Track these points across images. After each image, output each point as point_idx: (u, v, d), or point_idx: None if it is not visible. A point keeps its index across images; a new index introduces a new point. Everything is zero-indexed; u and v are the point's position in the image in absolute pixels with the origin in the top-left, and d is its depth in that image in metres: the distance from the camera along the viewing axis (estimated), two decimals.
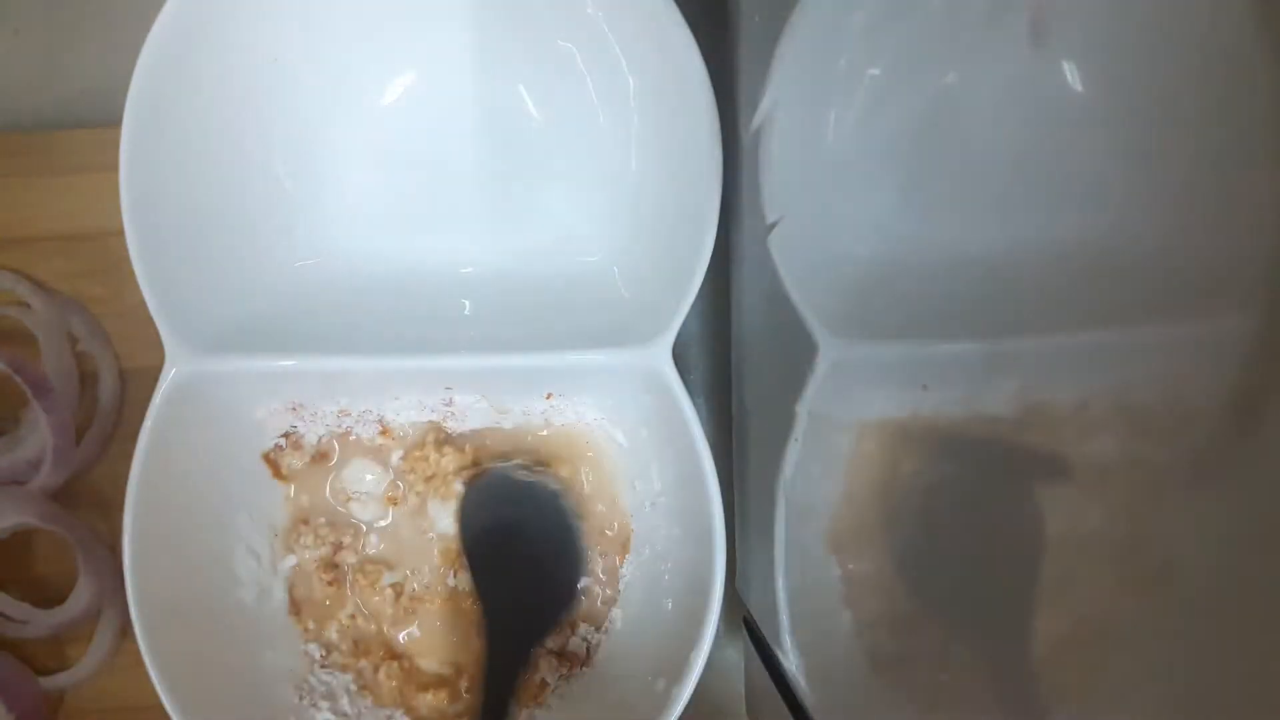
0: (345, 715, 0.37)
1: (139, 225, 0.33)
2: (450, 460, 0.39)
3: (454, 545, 0.39)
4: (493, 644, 0.35)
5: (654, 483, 0.39)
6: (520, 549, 0.38)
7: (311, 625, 0.39)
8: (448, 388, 0.38)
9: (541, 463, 0.40)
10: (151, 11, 0.32)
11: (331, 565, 0.39)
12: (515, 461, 0.39)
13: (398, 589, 0.39)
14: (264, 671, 0.37)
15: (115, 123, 0.33)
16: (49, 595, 0.41)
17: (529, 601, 0.37)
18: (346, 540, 0.39)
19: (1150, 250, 0.14)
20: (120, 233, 0.33)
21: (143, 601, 0.33)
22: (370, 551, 0.40)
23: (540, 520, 0.38)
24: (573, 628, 0.39)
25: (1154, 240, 0.14)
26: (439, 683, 0.39)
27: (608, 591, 0.39)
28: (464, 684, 0.39)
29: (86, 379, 0.41)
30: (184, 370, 0.34)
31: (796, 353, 0.28)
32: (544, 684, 0.38)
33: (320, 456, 0.39)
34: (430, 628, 0.39)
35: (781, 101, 0.28)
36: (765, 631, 0.34)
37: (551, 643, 0.39)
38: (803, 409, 0.28)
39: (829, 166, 0.26)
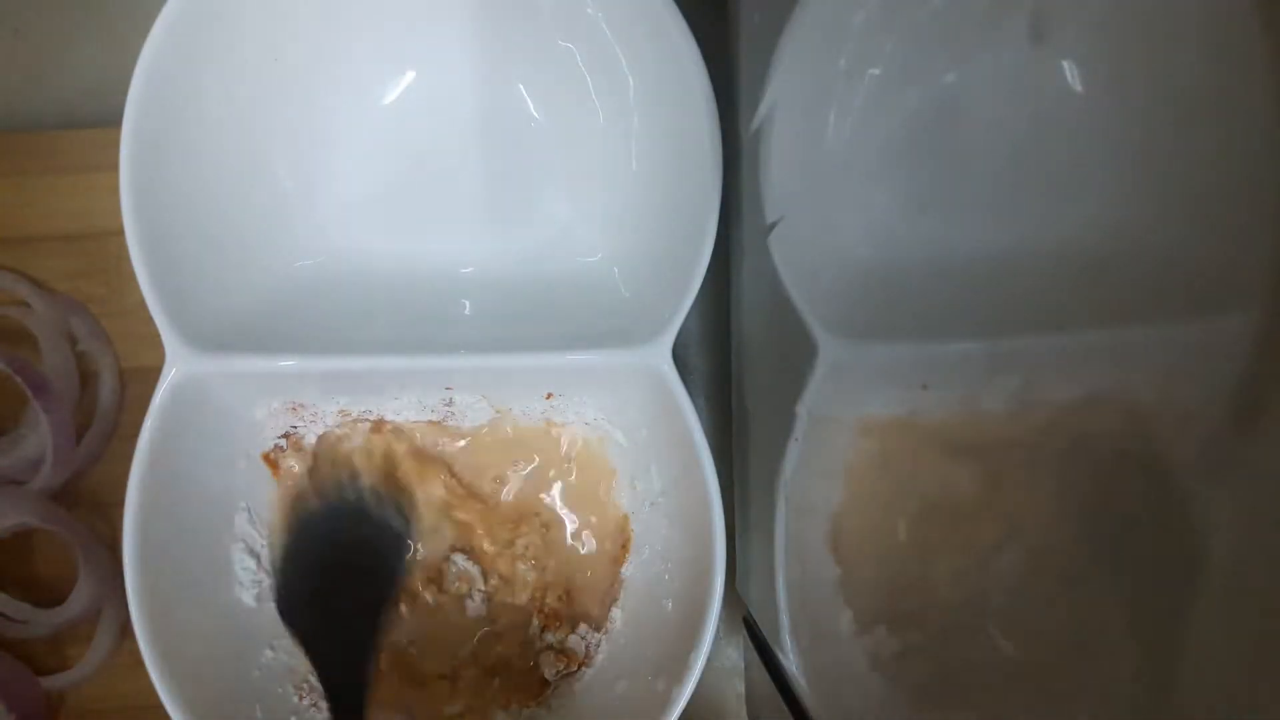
0: None
1: (139, 225, 0.33)
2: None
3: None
4: (327, 675, 0.34)
5: (654, 483, 0.39)
6: (334, 572, 0.36)
7: None
8: (448, 388, 0.38)
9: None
10: (152, 11, 0.32)
11: None
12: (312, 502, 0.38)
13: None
14: (264, 671, 0.37)
15: (115, 123, 0.33)
16: (49, 595, 0.41)
17: (353, 617, 0.36)
18: None
19: (1150, 250, 0.14)
20: (120, 233, 0.33)
21: (143, 602, 0.33)
22: None
23: (354, 540, 0.37)
24: (572, 627, 0.39)
25: (1154, 240, 0.14)
26: (437, 680, 0.39)
27: (608, 592, 0.39)
28: (462, 683, 0.39)
29: (86, 379, 0.41)
30: (184, 370, 0.34)
31: (796, 353, 0.28)
32: (544, 683, 0.38)
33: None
34: (428, 626, 0.39)
35: (781, 101, 0.28)
36: (765, 631, 0.34)
37: (551, 638, 0.38)
38: (803, 409, 0.28)
39: (829, 166, 0.26)
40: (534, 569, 0.39)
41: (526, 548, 0.39)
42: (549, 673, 0.38)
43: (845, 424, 0.27)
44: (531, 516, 0.40)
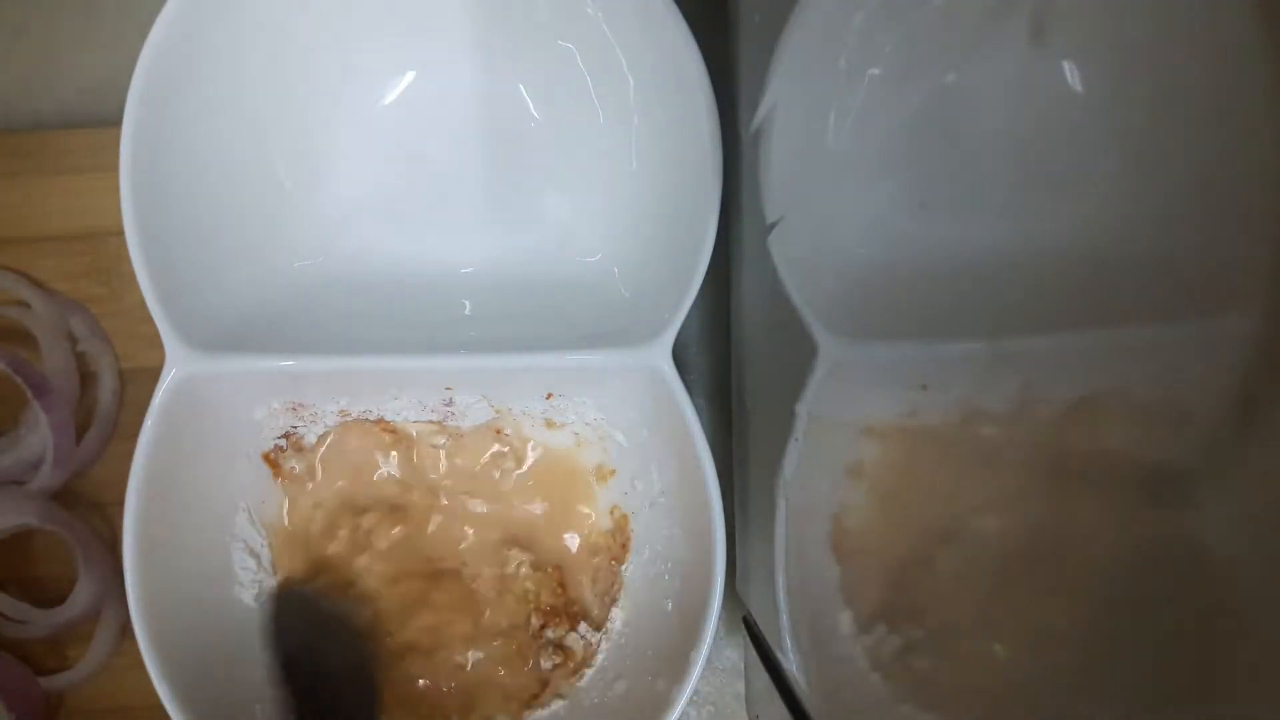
0: None
1: (139, 225, 0.33)
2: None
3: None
4: None
5: (654, 483, 0.39)
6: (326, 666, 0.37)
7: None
8: (448, 388, 0.38)
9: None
10: (152, 11, 0.32)
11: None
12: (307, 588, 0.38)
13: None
14: (264, 671, 0.37)
15: (115, 123, 0.33)
16: (49, 595, 0.41)
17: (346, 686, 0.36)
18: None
19: (1150, 250, 0.14)
20: (120, 233, 0.33)
21: (143, 601, 0.33)
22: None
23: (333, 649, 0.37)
24: (572, 625, 0.39)
25: (1154, 240, 0.14)
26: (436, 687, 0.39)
27: (608, 592, 0.39)
28: (461, 685, 0.39)
29: (86, 379, 0.41)
30: (184, 370, 0.34)
31: (796, 353, 0.28)
32: (544, 684, 0.38)
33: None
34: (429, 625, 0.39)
35: (781, 101, 0.28)
36: (765, 631, 0.34)
37: (551, 634, 0.38)
38: (803, 409, 0.28)
39: (829, 166, 0.26)
40: (528, 579, 0.39)
41: (518, 565, 0.39)
42: (546, 665, 0.38)
43: (845, 424, 0.27)
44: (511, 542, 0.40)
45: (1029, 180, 0.17)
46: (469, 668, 0.39)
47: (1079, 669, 0.16)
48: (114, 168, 0.33)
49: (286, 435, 0.39)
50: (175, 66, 0.33)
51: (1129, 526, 0.15)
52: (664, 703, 0.34)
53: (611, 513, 0.40)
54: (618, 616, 0.39)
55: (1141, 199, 0.14)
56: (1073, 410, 0.16)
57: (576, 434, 0.40)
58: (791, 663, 0.30)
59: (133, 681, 0.40)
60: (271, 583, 0.38)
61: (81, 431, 0.40)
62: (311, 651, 0.37)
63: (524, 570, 0.39)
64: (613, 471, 0.40)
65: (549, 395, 0.39)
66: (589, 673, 0.39)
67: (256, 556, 0.38)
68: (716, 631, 0.34)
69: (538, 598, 0.39)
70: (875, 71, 0.22)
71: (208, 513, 0.37)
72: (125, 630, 0.40)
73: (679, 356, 0.35)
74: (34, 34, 0.44)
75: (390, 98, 0.39)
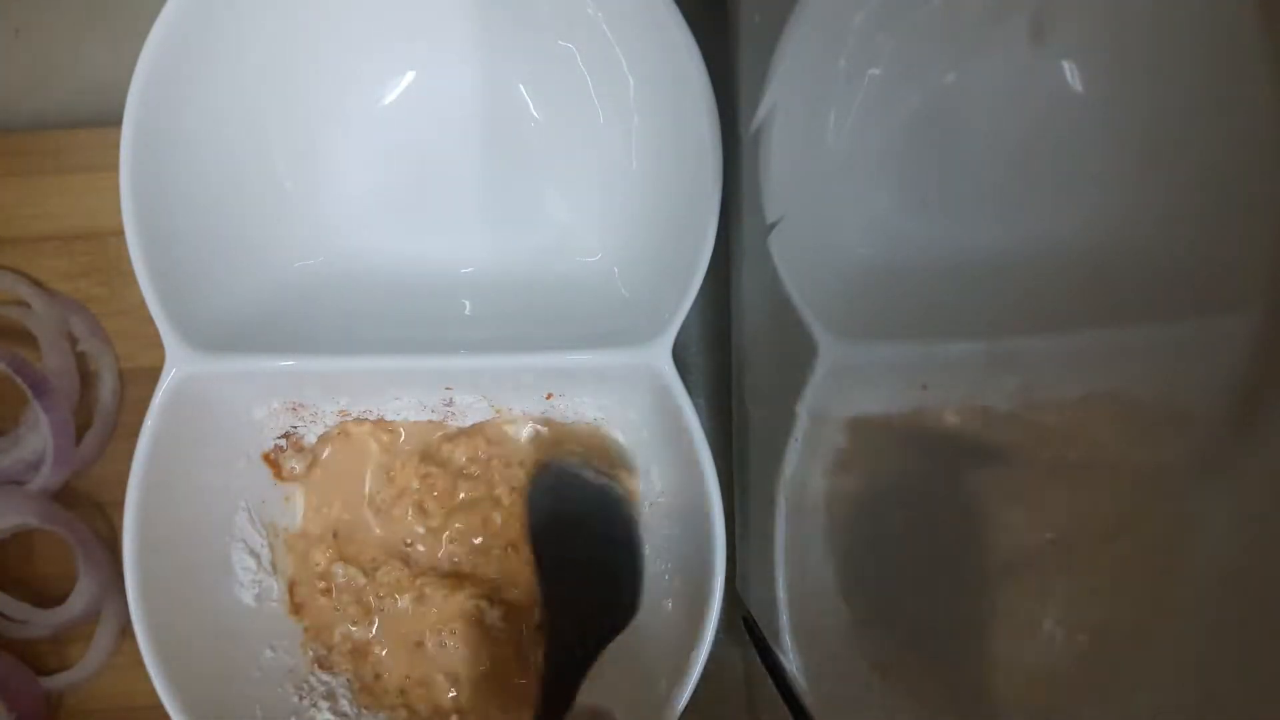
0: (345, 715, 0.37)
1: (139, 225, 0.33)
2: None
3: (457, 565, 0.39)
4: (553, 651, 0.34)
5: (654, 483, 0.39)
6: (585, 550, 0.37)
7: (311, 625, 0.39)
8: (448, 388, 0.38)
9: (609, 466, 0.39)
10: (152, 11, 0.32)
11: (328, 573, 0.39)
12: (580, 461, 0.38)
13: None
14: (264, 671, 0.37)
15: (115, 123, 0.33)
16: (49, 595, 0.41)
17: (591, 612, 0.36)
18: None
19: (1150, 250, 0.14)
20: (120, 233, 0.33)
21: (143, 601, 0.33)
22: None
23: (604, 526, 0.37)
24: None
25: (1154, 240, 0.14)
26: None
27: None
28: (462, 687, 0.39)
29: (86, 379, 0.41)
30: (184, 370, 0.34)
31: (796, 353, 0.28)
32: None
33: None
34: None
35: (781, 101, 0.28)
36: (765, 631, 0.34)
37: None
38: (803, 409, 0.28)
39: (829, 166, 0.26)
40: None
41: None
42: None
43: (845, 424, 0.27)
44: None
45: (1029, 180, 0.17)
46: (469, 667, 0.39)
47: (1078, 669, 0.16)
48: (114, 168, 0.33)
49: (286, 435, 0.39)
50: (175, 66, 0.33)
51: (1129, 526, 0.15)
52: (664, 703, 0.34)
53: None
54: None
55: (1141, 199, 0.14)
56: (1073, 410, 0.16)
57: None
58: (791, 663, 0.30)
59: (133, 681, 0.40)
60: (271, 582, 0.38)
61: (81, 431, 0.40)
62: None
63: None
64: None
65: (549, 395, 0.39)
66: (589, 673, 0.39)
67: (256, 556, 0.38)
68: (716, 631, 0.34)
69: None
70: (875, 71, 0.22)
71: (208, 513, 0.37)
72: (125, 630, 0.40)
73: (679, 356, 0.35)
74: (34, 34, 0.44)
75: (390, 98, 0.39)
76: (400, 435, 0.40)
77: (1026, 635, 0.18)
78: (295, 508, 0.39)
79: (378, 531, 0.40)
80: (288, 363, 0.35)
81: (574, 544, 0.37)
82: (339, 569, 0.39)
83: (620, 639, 0.39)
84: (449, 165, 0.40)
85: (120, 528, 0.33)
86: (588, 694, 0.38)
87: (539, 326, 0.38)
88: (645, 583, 0.37)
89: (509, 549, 0.39)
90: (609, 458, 0.39)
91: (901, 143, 0.21)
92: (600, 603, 0.36)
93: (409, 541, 0.40)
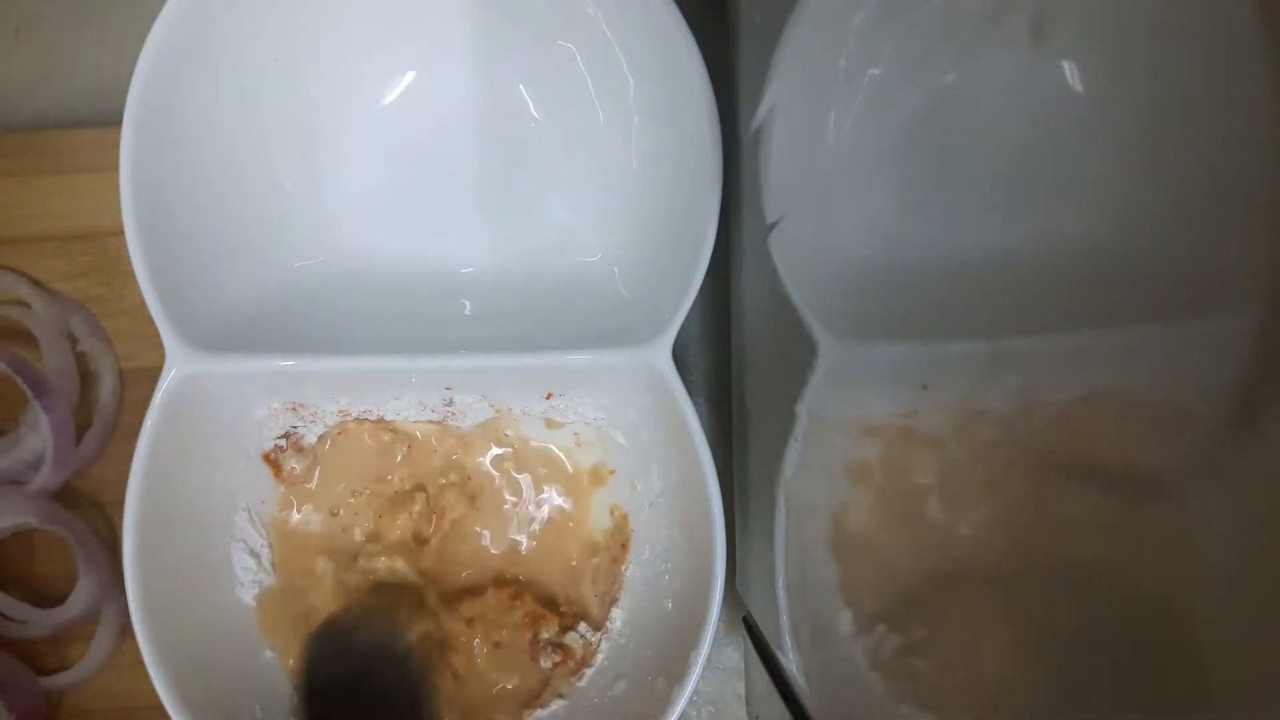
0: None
1: (139, 225, 0.33)
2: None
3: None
4: None
5: (654, 483, 0.39)
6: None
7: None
8: (448, 388, 0.38)
9: (567, 490, 0.39)
10: (152, 11, 0.32)
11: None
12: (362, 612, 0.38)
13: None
14: (264, 671, 0.37)
15: (115, 123, 0.33)
16: (49, 595, 0.41)
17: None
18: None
19: (1150, 250, 0.14)
20: (120, 233, 0.33)
21: (143, 601, 0.33)
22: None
23: (383, 681, 0.37)
24: (572, 624, 0.39)
25: (1154, 240, 0.14)
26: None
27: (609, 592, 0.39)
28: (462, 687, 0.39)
29: (86, 379, 0.41)
30: (184, 370, 0.34)
31: (796, 353, 0.28)
32: (544, 683, 0.38)
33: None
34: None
35: (781, 101, 0.28)
36: (765, 631, 0.34)
37: (547, 632, 0.38)
38: (803, 409, 0.28)
39: (829, 166, 0.26)
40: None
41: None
42: (545, 665, 0.38)
43: (846, 424, 0.27)
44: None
45: (1029, 180, 0.17)
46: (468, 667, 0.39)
47: (1077, 669, 0.16)
48: (114, 168, 0.33)
49: (286, 435, 0.39)
50: (175, 66, 0.33)
51: (1128, 526, 0.15)
52: (664, 703, 0.34)
53: (611, 512, 0.40)
54: (618, 616, 0.39)
55: (1141, 199, 0.14)
56: (1073, 410, 0.16)
57: (576, 434, 0.40)
58: (791, 663, 0.30)
59: (133, 681, 0.40)
60: (271, 582, 0.38)
61: (81, 431, 0.40)
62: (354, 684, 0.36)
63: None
64: (612, 471, 0.40)
65: (549, 395, 0.39)
66: (589, 673, 0.39)
67: (256, 556, 0.38)
68: (716, 631, 0.34)
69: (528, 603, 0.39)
70: (875, 71, 0.22)
71: (208, 513, 0.37)
72: (125, 630, 0.40)
73: (679, 356, 0.35)
74: (34, 34, 0.44)
75: (390, 98, 0.39)
76: (400, 435, 0.40)
77: (1026, 635, 0.18)
78: (296, 507, 0.39)
79: (377, 531, 0.40)
80: (288, 363, 0.35)
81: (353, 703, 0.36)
82: (339, 569, 0.39)
83: (620, 639, 0.39)
84: (449, 165, 0.40)
85: (120, 528, 0.33)
86: (588, 694, 0.38)
87: (539, 326, 0.38)
88: (636, 557, 0.38)
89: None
90: (567, 480, 0.40)
91: (901, 143, 0.21)
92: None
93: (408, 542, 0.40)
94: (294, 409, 0.38)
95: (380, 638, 0.37)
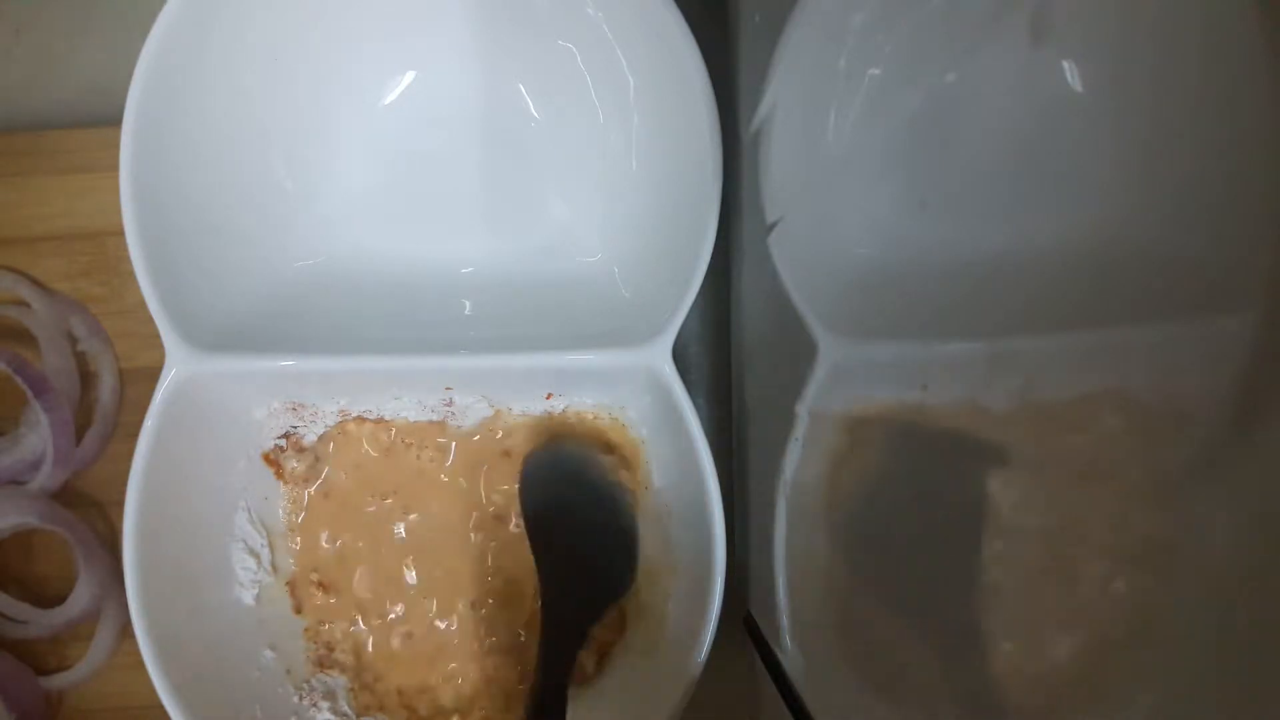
0: (345, 715, 0.37)
1: (139, 225, 0.33)
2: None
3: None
4: (550, 620, 0.35)
5: (654, 482, 0.39)
6: (579, 525, 0.37)
7: (311, 625, 0.39)
8: (448, 388, 0.38)
9: (603, 448, 0.39)
10: (152, 11, 0.32)
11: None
12: (573, 442, 0.39)
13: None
14: (264, 671, 0.37)
15: (115, 122, 0.33)
16: (49, 595, 0.41)
17: (586, 581, 0.36)
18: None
19: (1150, 250, 0.14)
20: (120, 233, 0.33)
21: (143, 601, 0.33)
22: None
23: (598, 504, 0.38)
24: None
25: (1154, 240, 0.14)
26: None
27: None
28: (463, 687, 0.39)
29: (86, 379, 0.41)
30: (184, 370, 0.34)
31: (796, 353, 0.28)
32: None
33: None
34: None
35: (781, 101, 0.28)
36: (765, 631, 0.34)
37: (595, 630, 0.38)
38: (803, 409, 0.28)
39: (829, 166, 0.26)
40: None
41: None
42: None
43: (845, 424, 0.27)
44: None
45: (1029, 180, 0.17)
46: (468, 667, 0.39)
47: (1076, 668, 0.16)
48: (114, 168, 0.33)
49: (286, 435, 0.39)
50: (175, 66, 0.33)
51: (1128, 526, 0.15)
52: (664, 704, 0.34)
53: None
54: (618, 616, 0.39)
55: (1141, 199, 0.14)
56: (1072, 410, 0.16)
57: None
58: (791, 663, 0.30)
59: (133, 681, 0.40)
60: (271, 582, 0.38)
61: (81, 431, 0.40)
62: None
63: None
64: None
65: (549, 395, 0.39)
66: (589, 673, 0.39)
67: (256, 556, 0.38)
68: (716, 631, 0.34)
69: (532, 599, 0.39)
70: (875, 71, 0.22)
71: (208, 513, 0.37)
72: (125, 630, 0.40)
73: (679, 356, 0.35)
74: (34, 34, 0.44)
75: (390, 98, 0.39)
76: (399, 435, 0.40)
77: (1026, 636, 0.18)
78: (295, 507, 0.39)
79: (377, 532, 0.40)
80: (288, 363, 0.35)
81: (568, 520, 0.37)
82: (338, 568, 0.39)
83: (622, 639, 0.39)
84: (449, 165, 0.40)
85: (120, 528, 0.33)
86: (590, 695, 0.38)
87: (539, 326, 0.38)
88: (641, 553, 0.38)
89: (506, 547, 0.39)
90: (608, 445, 0.40)
91: (902, 143, 0.21)
92: (595, 575, 0.37)
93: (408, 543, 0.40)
94: (294, 409, 0.38)
95: (587, 468, 0.38)
